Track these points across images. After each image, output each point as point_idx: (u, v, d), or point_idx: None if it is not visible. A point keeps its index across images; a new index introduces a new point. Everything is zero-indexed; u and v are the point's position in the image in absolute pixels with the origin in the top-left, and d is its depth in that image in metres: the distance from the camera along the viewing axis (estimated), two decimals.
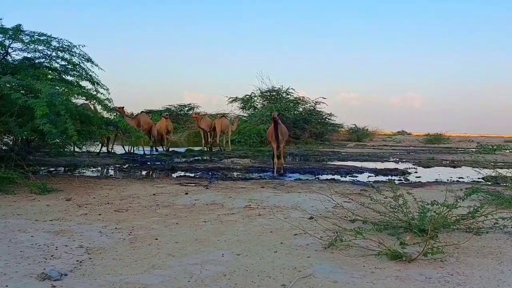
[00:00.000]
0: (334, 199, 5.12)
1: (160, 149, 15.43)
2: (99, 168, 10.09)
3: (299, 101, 29.77)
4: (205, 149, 16.61)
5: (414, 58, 70.32)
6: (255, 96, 30.85)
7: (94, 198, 5.74)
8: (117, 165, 10.65)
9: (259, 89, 30.44)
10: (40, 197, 5.69)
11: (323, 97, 29.68)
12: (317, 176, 9.30)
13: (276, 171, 9.06)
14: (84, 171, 9.36)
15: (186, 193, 6.23)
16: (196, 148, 17.50)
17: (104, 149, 13.12)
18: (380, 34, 69.09)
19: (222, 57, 65.89)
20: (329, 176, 9.39)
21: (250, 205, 5.42)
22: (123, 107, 14.28)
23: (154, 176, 9.04)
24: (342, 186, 7.46)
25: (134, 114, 15.76)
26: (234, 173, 9.85)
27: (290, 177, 9.26)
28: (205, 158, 13.75)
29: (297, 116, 28.45)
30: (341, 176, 9.47)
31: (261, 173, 9.70)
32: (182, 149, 16.84)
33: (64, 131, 5.92)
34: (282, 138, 8.93)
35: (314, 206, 5.24)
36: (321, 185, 7.48)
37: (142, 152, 14.27)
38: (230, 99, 30.46)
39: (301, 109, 30.32)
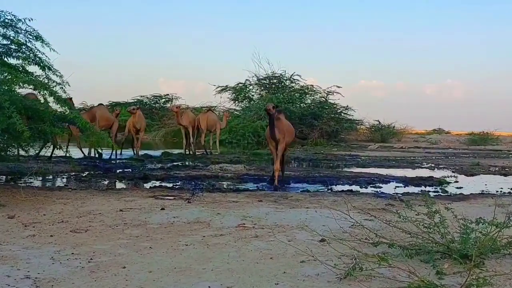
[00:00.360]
0: (352, 216, 5.12)
1: (128, 152, 15.42)
2: (51, 177, 10.08)
3: (306, 90, 29.89)
4: (187, 152, 16.65)
5: (455, 36, 70.66)
6: (250, 85, 30.99)
7: (44, 215, 5.72)
8: (74, 173, 10.66)
9: (256, 75, 30.59)
10: None
11: (337, 86, 29.88)
12: (330, 187, 9.34)
13: (276, 180, 9.05)
14: (32, 180, 9.34)
15: (163, 209, 6.23)
16: (176, 151, 17.52)
17: (60, 152, 13.08)
18: (410, 4, 69.48)
19: (208, 35, 66.20)
20: (346, 187, 9.43)
21: (244, 224, 5.41)
22: (71, 98, 14.19)
23: (121, 187, 9.03)
24: (362, 199, 7.48)
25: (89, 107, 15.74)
26: (224, 182, 9.87)
27: (295, 188, 9.28)
28: (187, 163, 13.75)
29: (304, 110, 28.53)
30: (361, 187, 9.52)
31: (258, 183, 9.71)
32: (157, 153, 16.85)
33: (7, 129, 5.90)
34: (282, 137, 8.95)
35: (326, 225, 5.24)
36: (335, 198, 7.49)
37: (108, 157, 14.30)
38: (219, 88, 30.62)
39: (309, 101, 30.41)
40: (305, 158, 16.72)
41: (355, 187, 9.43)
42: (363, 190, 9.12)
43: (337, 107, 29.61)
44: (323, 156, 17.65)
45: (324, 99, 29.78)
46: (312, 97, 30.17)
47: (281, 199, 7.41)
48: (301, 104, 29.66)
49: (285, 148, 9.34)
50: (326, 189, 9.09)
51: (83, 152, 14.63)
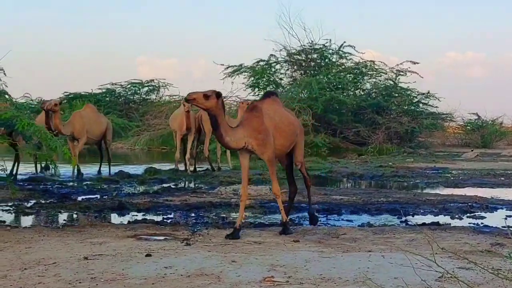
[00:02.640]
0: (440, 264, 5.08)
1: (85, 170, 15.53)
2: None
3: (364, 69, 29.80)
4: (183, 168, 16.67)
5: None
6: (276, 63, 30.99)
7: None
8: (15, 202, 10.72)
9: (285, 47, 30.63)
10: None
11: (412, 61, 29.78)
12: (404, 219, 9.26)
13: (283, 214, 8.03)
14: None
15: (148, 255, 6.24)
16: (166, 166, 17.53)
17: None
18: None
19: None
20: (428, 218, 9.35)
21: (272, 277, 5.39)
22: (60, 102, 14.64)
23: (85, 222, 9.07)
24: (455, 237, 7.40)
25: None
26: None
27: (349, 220, 9.23)
28: (183, 185, 13.75)
29: (361, 100, 28.41)
30: (452, 218, 9.43)
31: (293, 213, 9.64)
32: (138, 169, 16.92)
33: None
34: (256, 140, 7.92)
35: (400, 278, 5.20)
36: (412, 235, 7.42)
37: (71, 174, 14.53)
38: (229, 69, 30.84)
39: (368, 86, 30.32)
40: (364, 174, 16.61)
41: (443, 218, 9.33)
42: (456, 222, 9.01)
43: (413, 94, 29.46)
44: (392, 171, 17.48)
45: (392, 82, 29.59)
46: (374, 80, 30.05)
47: (328, 237, 7.34)
48: (356, 91, 29.57)
49: (299, 158, 8.49)
50: (398, 222, 9.00)
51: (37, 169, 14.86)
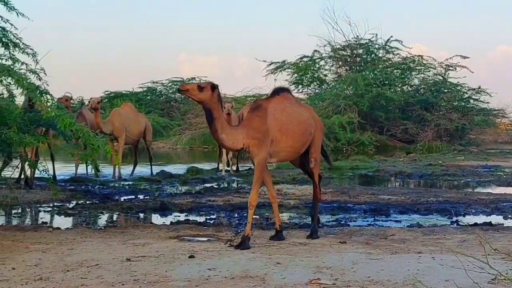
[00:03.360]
0: (493, 265, 5.02)
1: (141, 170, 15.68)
2: (21, 210, 10.31)
3: (412, 64, 29.58)
4: (227, 168, 16.71)
5: None
6: (320, 59, 30.95)
7: (13, 269, 5.85)
8: (56, 203, 10.88)
9: (329, 43, 30.54)
10: None
11: (462, 56, 29.46)
12: (455, 219, 9.21)
13: (278, 225, 7.54)
14: None
15: (192, 256, 6.28)
16: (208, 166, 17.62)
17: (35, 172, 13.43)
18: None
19: None
20: (481, 218, 9.29)
21: (318, 279, 5.38)
22: (70, 97, 14.65)
23: (127, 223, 9.18)
24: (508, 237, 7.34)
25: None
26: (285, 214, 9.88)
27: (398, 221, 9.20)
28: (226, 185, 13.82)
29: (408, 96, 28.20)
30: (505, 218, 9.37)
31: (338, 214, 9.73)
32: (180, 169, 17.04)
33: None
34: (253, 140, 7.33)
35: (451, 280, 5.15)
36: (463, 236, 7.38)
37: (112, 175, 14.74)
38: (272, 66, 30.88)
39: (416, 81, 30.04)
40: (412, 173, 16.50)
41: (495, 218, 9.25)
42: (509, 222, 8.94)
43: (463, 89, 29.15)
44: (442, 169, 17.34)
45: (441, 77, 29.33)
46: (422, 75, 29.82)
47: (376, 239, 7.32)
48: (404, 87, 29.34)
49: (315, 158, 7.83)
50: (448, 222, 8.95)
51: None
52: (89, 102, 14.64)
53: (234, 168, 16.57)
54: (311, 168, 7.82)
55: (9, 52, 7.75)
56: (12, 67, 7.36)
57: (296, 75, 30.52)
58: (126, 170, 15.83)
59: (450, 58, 29.33)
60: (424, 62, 29.47)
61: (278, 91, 7.82)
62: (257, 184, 7.32)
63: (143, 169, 16.23)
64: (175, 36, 62.93)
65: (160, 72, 71.05)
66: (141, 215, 9.86)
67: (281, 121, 7.38)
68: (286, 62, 30.58)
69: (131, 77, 64.74)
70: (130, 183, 14.01)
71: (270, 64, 30.63)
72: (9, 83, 7.30)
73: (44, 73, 7.69)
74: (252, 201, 7.19)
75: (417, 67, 29.66)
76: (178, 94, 34.33)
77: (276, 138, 7.29)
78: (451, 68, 29.13)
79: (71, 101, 15.75)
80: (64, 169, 15.62)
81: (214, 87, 7.02)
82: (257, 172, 7.33)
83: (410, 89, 29.74)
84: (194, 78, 34.50)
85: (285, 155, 7.57)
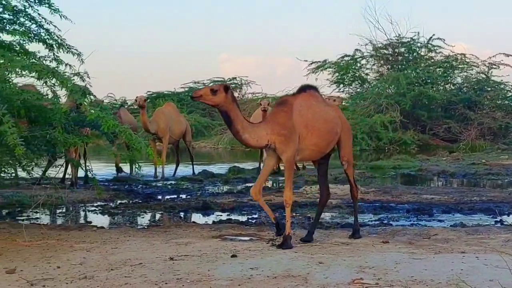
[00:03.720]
0: None
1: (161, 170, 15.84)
2: (66, 210, 10.43)
3: (454, 63, 29.33)
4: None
5: None
6: (362, 57, 30.84)
7: (58, 267, 5.93)
8: (99, 203, 11.01)
9: (371, 42, 30.43)
10: None
11: (505, 54, 29.13)
12: (499, 218, 9.14)
13: (287, 226, 7.09)
14: (38, 215, 9.74)
15: (234, 256, 6.31)
16: (249, 166, 17.64)
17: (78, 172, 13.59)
18: None
19: None
20: None
21: (361, 279, 5.37)
22: (147, 99, 14.88)
23: (170, 222, 9.26)
24: None
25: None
26: (326, 213, 9.86)
27: (441, 220, 9.16)
28: (267, 184, 13.79)
29: (451, 95, 27.94)
30: None
31: (381, 214, 9.71)
32: (221, 168, 17.13)
33: None
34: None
35: (496, 280, 5.10)
36: (508, 235, 7.31)
37: (154, 174, 14.96)
38: (313, 65, 30.87)
39: (459, 80, 29.79)
40: (455, 172, 16.35)
41: None
42: None
43: (507, 88, 28.87)
44: (486, 169, 17.13)
45: (484, 75, 29.04)
46: (465, 73, 29.55)
47: (419, 238, 7.28)
48: (446, 86, 29.11)
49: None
50: (492, 222, 8.87)
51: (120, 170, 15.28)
52: (135, 100, 14.79)
53: (275, 168, 16.51)
54: (345, 170, 7.74)
55: (53, 54, 7.86)
56: (56, 68, 7.44)
57: (337, 74, 30.44)
58: (167, 170, 15.94)
59: (493, 56, 29.13)
60: (466, 60, 29.20)
61: (305, 88, 7.61)
62: (289, 182, 7.21)
63: (184, 169, 16.33)
64: (216, 36, 63.07)
65: (201, 72, 71.32)
66: (184, 214, 9.93)
67: (306, 118, 7.18)
68: (327, 61, 30.58)
69: (173, 77, 65.15)
70: (173, 182, 14.13)
71: (311, 64, 30.66)
72: (53, 84, 7.39)
73: (88, 76, 7.79)
74: (287, 199, 7.11)
75: (459, 66, 29.42)
76: None
77: (301, 135, 7.08)
78: (494, 66, 28.89)
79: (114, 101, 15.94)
80: (106, 169, 15.80)
81: (227, 88, 6.88)
82: (288, 170, 7.21)
83: (452, 87, 29.49)
84: (235, 78, 34.73)
85: (309, 153, 7.33)
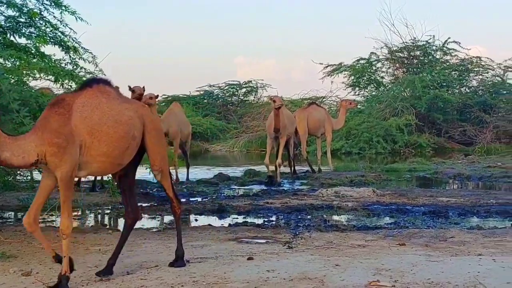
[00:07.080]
0: None
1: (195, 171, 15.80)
2: (81, 213, 10.49)
3: (470, 66, 29.27)
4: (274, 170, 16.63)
5: None
6: (377, 61, 30.78)
7: (74, 270, 5.94)
8: (115, 206, 11.01)
9: (386, 45, 30.31)
10: None
11: None
12: None
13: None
14: (54, 218, 9.74)
15: (250, 258, 6.31)
16: (264, 169, 17.62)
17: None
18: None
19: None
20: None
21: (378, 281, 5.36)
22: (157, 96, 13.36)
23: (185, 225, 9.22)
24: None
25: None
26: (343, 216, 9.86)
27: (457, 223, 9.11)
28: (284, 187, 13.81)
29: (467, 98, 27.87)
30: None
31: (397, 217, 9.68)
32: (237, 171, 17.12)
33: None
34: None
35: None
36: None
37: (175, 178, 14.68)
38: (328, 68, 30.76)
39: (474, 83, 29.68)
40: (471, 175, 16.20)
41: None
42: None
43: None
44: (502, 171, 17.00)
45: (500, 78, 28.95)
46: (480, 77, 29.46)
47: (436, 241, 7.26)
48: (462, 89, 29.03)
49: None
50: (509, 225, 8.83)
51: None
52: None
53: (292, 170, 16.37)
54: (159, 181, 6.50)
55: (70, 56, 7.88)
56: (73, 71, 7.48)
57: (352, 77, 30.36)
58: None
59: (509, 59, 29.00)
60: (482, 63, 29.11)
61: (91, 83, 5.91)
62: (67, 206, 5.63)
63: (198, 172, 16.33)
64: (232, 38, 63.17)
65: (217, 75, 71.04)
66: (199, 217, 9.91)
67: (91, 121, 5.59)
68: (342, 64, 30.51)
69: (188, 80, 65.15)
70: (188, 185, 14.11)
71: (326, 67, 30.58)
72: (70, 86, 7.42)
73: (103, 73, 7.83)
74: (64, 228, 5.59)
75: (475, 69, 29.31)
76: (235, 97, 34.60)
77: (85, 144, 5.53)
78: (510, 69, 28.81)
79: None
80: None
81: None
82: (64, 191, 5.51)
83: (468, 90, 29.36)
84: (251, 81, 34.60)
85: (99, 166, 5.76)
